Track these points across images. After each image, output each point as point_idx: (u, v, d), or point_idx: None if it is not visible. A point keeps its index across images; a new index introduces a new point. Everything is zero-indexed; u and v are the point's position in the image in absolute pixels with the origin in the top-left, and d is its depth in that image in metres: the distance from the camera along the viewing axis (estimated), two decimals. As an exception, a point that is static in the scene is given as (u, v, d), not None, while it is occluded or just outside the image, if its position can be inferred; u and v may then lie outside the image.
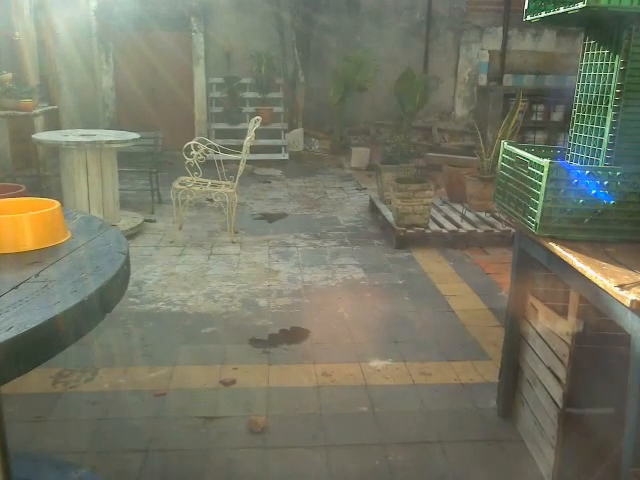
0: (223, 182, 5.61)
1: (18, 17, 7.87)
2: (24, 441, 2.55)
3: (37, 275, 1.56)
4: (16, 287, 1.47)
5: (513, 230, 3.78)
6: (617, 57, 2.05)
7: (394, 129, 8.87)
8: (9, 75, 7.07)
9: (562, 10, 2.06)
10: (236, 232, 5.73)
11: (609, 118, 2.09)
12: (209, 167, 5.56)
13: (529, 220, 2.20)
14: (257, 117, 5.68)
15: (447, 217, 5.84)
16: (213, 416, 2.78)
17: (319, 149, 10.14)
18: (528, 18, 2.33)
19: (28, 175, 7.10)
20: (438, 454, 2.54)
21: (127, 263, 1.75)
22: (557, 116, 9.45)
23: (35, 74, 8.15)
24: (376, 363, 3.31)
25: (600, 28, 2.15)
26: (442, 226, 5.54)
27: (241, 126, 9.37)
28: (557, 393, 2.26)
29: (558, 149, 2.61)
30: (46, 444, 2.56)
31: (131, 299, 4.08)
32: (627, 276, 1.76)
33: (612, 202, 2.08)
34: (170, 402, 2.89)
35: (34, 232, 1.75)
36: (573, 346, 2.17)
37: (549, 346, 2.36)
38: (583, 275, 1.87)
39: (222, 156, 5.59)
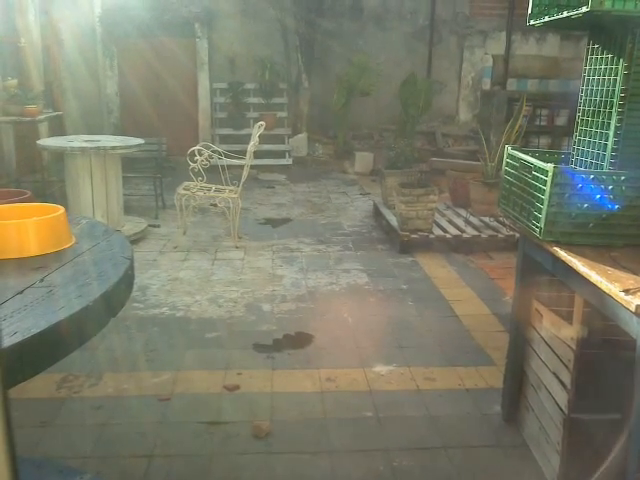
0: (227, 187, 5.62)
1: (23, 23, 7.92)
2: (29, 446, 2.55)
3: (42, 280, 1.56)
4: (21, 292, 1.48)
5: (517, 235, 3.78)
6: (621, 61, 2.05)
7: (398, 134, 8.88)
8: (14, 81, 7.11)
9: (566, 14, 2.06)
10: (240, 237, 5.73)
11: (613, 122, 2.09)
12: (213, 172, 5.58)
13: (533, 225, 2.20)
14: (261, 122, 5.68)
15: (451, 222, 5.84)
16: (217, 421, 2.77)
17: (323, 154, 10.15)
18: (532, 22, 2.33)
19: (33, 180, 7.12)
20: (443, 460, 2.54)
21: (131, 268, 1.76)
22: (561, 120, 9.43)
23: (40, 80, 8.19)
24: (380, 368, 3.30)
25: (604, 32, 2.15)
26: (446, 231, 5.53)
27: (245, 131, 9.40)
28: (562, 398, 2.26)
29: (562, 154, 2.61)
30: (50, 449, 2.56)
31: (135, 304, 4.08)
32: (632, 281, 1.76)
33: (617, 207, 2.07)
34: (174, 407, 2.89)
35: (39, 237, 1.76)
36: (578, 351, 2.16)
37: (554, 351, 2.35)
38: (588, 280, 1.86)
39: (226, 161, 5.59)
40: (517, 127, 6.02)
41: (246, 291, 4.43)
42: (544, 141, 9.40)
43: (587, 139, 2.26)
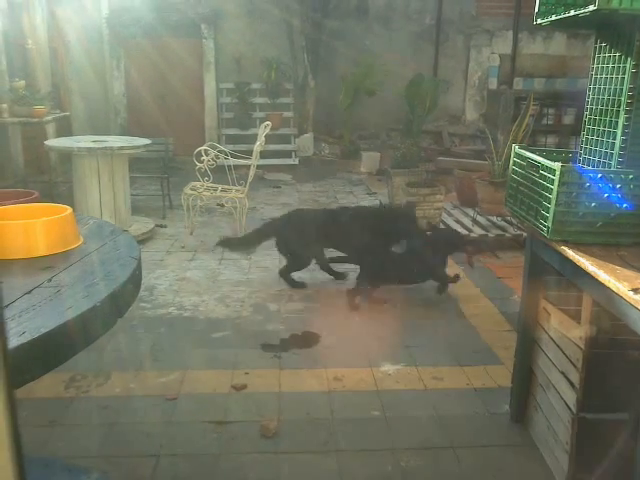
0: (233, 187, 5.63)
1: (30, 25, 7.96)
2: (36, 445, 2.56)
3: (50, 280, 1.57)
4: (29, 292, 1.48)
5: (525, 234, 3.76)
6: (629, 60, 2.04)
7: (404, 133, 8.85)
8: (22, 82, 7.15)
9: (573, 13, 2.05)
10: (247, 237, 5.73)
11: (621, 121, 2.08)
12: (219, 172, 5.58)
13: (541, 224, 2.19)
14: (267, 122, 5.69)
15: (458, 221, 5.82)
16: (224, 421, 2.78)
17: (329, 154, 10.14)
18: (538, 21, 2.32)
19: (40, 181, 7.15)
20: (451, 459, 2.53)
21: (139, 268, 1.76)
22: (568, 119, 9.40)
23: (47, 81, 8.24)
24: (387, 367, 3.30)
25: (611, 31, 2.14)
26: (453, 230, 5.51)
27: (251, 131, 9.40)
28: (571, 398, 2.25)
29: (570, 153, 2.60)
30: (58, 449, 2.57)
31: (142, 304, 4.09)
32: (641, 280, 1.75)
33: (625, 205, 2.06)
34: (181, 407, 2.90)
35: (47, 237, 1.76)
36: (586, 351, 2.15)
37: (562, 351, 2.34)
38: (596, 279, 1.85)
39: (232, 161, 5.60)
40: (524, 126, 5.99)
41: (253, 291, 4.43)
42: (551, 140, 9.37)
43: (595, 138, 2.25)
